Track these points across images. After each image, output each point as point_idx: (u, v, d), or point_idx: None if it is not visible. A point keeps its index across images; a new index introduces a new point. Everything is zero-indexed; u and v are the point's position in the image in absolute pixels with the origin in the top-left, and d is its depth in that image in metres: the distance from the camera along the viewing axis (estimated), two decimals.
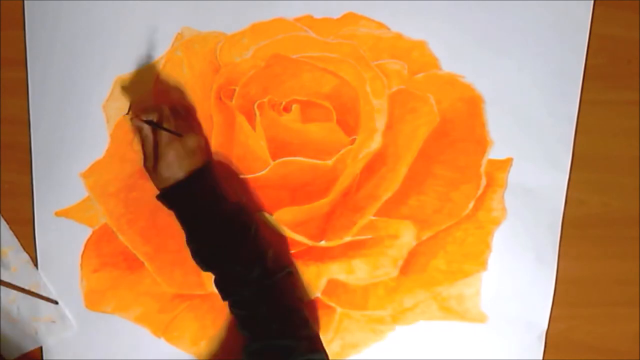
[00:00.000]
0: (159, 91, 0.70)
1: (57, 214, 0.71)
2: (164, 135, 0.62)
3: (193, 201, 0.63)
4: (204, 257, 0.64)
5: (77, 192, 0.70)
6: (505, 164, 0.70)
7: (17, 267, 0.71)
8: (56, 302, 0.72)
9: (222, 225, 0.63)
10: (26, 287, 0.71)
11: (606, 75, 0.70)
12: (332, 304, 0.71)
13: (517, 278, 0.71)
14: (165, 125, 0.62)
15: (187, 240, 0.64)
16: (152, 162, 0.62)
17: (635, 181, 0.71)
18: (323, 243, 0.71)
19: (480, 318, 0.72)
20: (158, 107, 0.63)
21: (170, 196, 0.63)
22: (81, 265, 0.71)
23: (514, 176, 0.70)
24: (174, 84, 0.70)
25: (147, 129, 0.62)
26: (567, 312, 0.71)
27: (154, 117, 0.62)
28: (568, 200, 0.70)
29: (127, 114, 0.67)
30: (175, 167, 0.62)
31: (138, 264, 0.71)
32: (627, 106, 0.71)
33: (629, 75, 0.71)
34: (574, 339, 0.72)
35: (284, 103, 0.70)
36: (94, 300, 0.72)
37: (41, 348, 0.72)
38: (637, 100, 0.71)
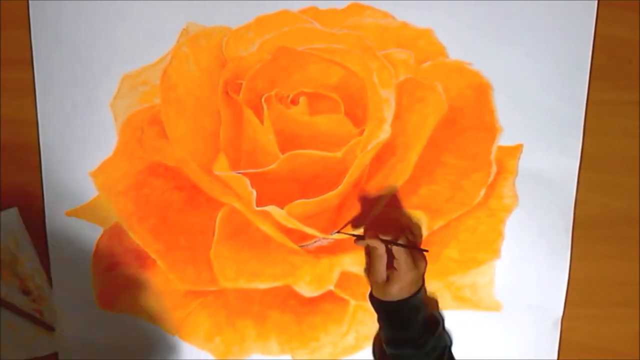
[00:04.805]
0: (166, 87, 0.69)
1: (68, 214, 0.71)
2: (404, 261, 0.63)
3: (406, 316, 0.65)
4: (393, 355, 0.67)
5: (87, 191, 0.70)
6: (516, 150, 0.70)
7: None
8: (53, 329, 0.72)
9: (420, 337, 0.66)
10: (35, 295, 0.72)
11: (606, 76, 0.69)
12: (346, 296, 0.71)
13: (530, 265, 0.71)
14: (402, 241, 0.63)
15: (383, 339, 0.68)
16: (382, 279, 0.64)
17: (635, 181, 0.71)
18: (335, 235, 0.70)
19: (495, 306, 0.71)
20: (398, 226, 0.65)
21: (388, 307, 0.65)
22: (93, 265, 0.71)
23: (524, 163, 0.70)
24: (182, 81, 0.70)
25: (382, 248, 0.63)
26: (567, 313, 0.71)
27: (397, 238, 0.63)
28: None
29: (338, 232, 0.68)
30: (406, 292, 0.64)
31: (150, 262, 0.71)
32: (628, 106, 0.71)
33: (629, 75, 0.70)
34: (574, 340, 0.72)
35: (291, 96, 0.69)
36: (107, 300, 0.72)
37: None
38: (637, 100, 0.70)
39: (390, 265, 0.64)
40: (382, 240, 0.63)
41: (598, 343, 0.72)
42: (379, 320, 0.68)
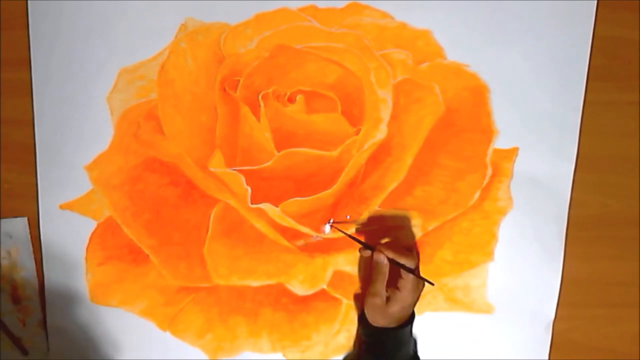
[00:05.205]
0: (163, 82, 0.69)
1: (62, 207, 0.70)
2: (410, 281, 0.62)
3: (397, 343, 0.65)
4: None
5: (82, 185, 0.70)
6: (511, 153, 0.70)
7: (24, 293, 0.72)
8: (26, 353, 0.71)
9: None
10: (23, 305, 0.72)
11: (606, 76, 0.70)
12: (338, 296, 0.71)
13: (523, 268, 0.71)
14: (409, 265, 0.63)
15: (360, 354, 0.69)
16: (383, 299, 0.63)
17: (635, 181, 0.71)
18: (329, 234, 0.70)
19: (487, 309, 0.71)
20: (414, 255, 0.64)
21: (379, 335, 0.65)
22: (86, 258, 0.71)
23: (519, 166, 0.70)
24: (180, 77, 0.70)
25: (386, 264, 0.63)
26: (567, 313, 0.71)
27: (407, 262, 0.63)
28: None
29: (364, 250, 0.67)
30: (406, 312, 0.64)
31: (143, 257, 0.71)
32: (627, 106, 0.71)
33: (629, 75, 0.71)
34: (574, 340, 0.72)
35: (288, 94, 0.69)
36: (99, 294, 0.72)
37: (47, 339, 0.72)
38: (637, 100, 0.71)
39: (391, 284, 0.63)
40: (390, 260, 0.63)
41: (598, 343, 0.72)
42: (362, 348, 0.67)
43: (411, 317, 0.66)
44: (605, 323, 0.72)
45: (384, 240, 0.67)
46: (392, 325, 0.64)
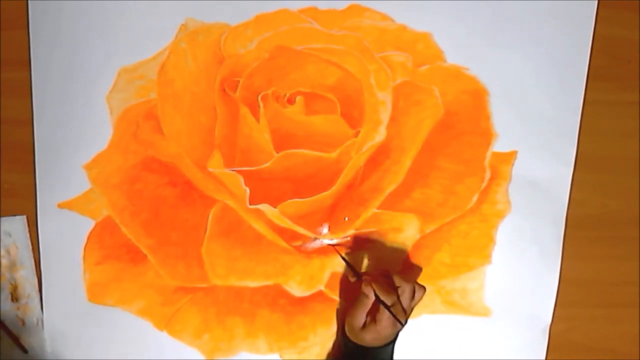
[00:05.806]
0: (163, 82, 0.69)
1: (60, 206, 0.70)
2: (385, 318, 0.61)
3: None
4: None
5: (80, 184, 0.70)
6: (510, 156, 0.70)
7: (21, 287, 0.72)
8: (26, 352, 0.71)
9: None
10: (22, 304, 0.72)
11: (606, 76, 0.70)
12: (336, 297, 0.71)
13: (521, 272, 0.71)
14: (393, 309, 0.62)
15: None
16: (359, 323, 0.63)
17: (635, 181, 0.71)
18: (326, 235, 0.70)
19: (484, 312, 0.71)
20: (395, 293, 0.62)
21: (357, 350, 0.65)
22: (84, 257, 0.71)
23: (518, 169, 0.70)
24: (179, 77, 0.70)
25: (372, 298, 0.62)
26: (567, 313, 0.71)
27: (388, 300, 0.61)
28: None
29: (355, 277, 0.66)
30: (379, 342, 0.63)
31: (141, 257, 0.71)
32: (627, 106, 0.71)
33: (629, 75, 0.71)
34: (574, 340, 0.72)
35: (287, 95, 0.69)
36: (97, 293, 0.71)
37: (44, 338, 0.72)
38: (637, 100, 0.71)
39: (371, 312, 0.63)
40: (376, 296, 0.62)
41: (597, 343, 0.73)
42: (344, 356, 0.67)
43: (393, 341, 0.65)
44: (604, 323, 0.73)
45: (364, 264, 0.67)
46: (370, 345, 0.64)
